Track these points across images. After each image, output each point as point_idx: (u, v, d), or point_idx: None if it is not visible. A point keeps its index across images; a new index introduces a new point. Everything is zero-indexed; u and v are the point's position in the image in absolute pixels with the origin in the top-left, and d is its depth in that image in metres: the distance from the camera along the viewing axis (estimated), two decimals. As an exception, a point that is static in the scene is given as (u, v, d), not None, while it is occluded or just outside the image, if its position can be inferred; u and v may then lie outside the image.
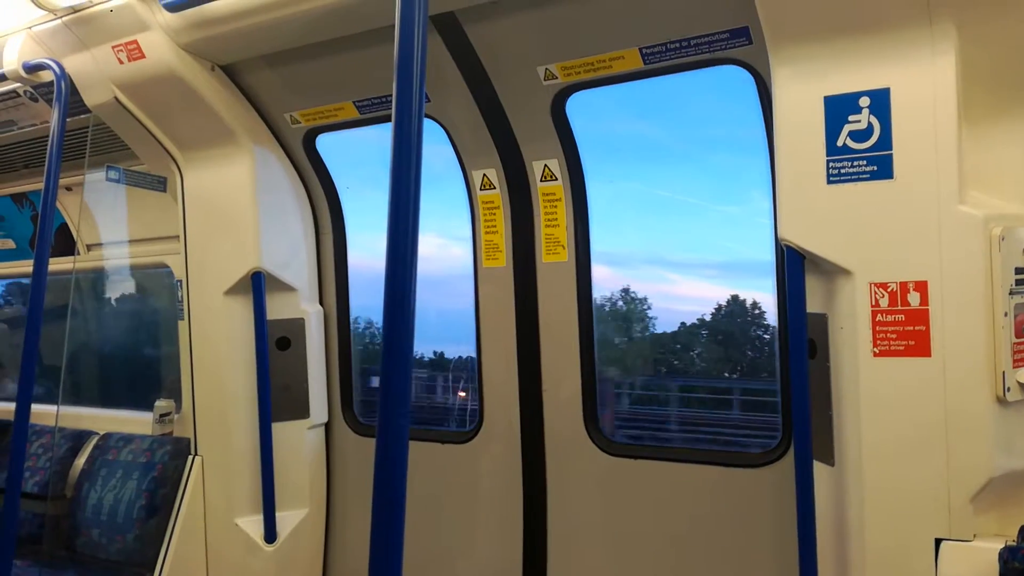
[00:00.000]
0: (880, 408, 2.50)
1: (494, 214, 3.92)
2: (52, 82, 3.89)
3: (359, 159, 4.73)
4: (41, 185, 3.72)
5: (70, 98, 3.89)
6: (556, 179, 3.73)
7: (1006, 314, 2.36)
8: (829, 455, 2.69)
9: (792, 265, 2.64)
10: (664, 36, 3.18)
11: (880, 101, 2.47)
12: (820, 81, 2.55)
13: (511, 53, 3.50)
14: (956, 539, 2.39)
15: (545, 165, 3.73)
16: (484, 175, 3.89)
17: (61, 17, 3.93)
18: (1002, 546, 2.29)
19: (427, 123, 3.90)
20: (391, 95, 1.89)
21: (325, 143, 4.38)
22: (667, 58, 3.24)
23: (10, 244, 5.99)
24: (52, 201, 3.72)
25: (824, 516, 2.68)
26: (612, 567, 3.71)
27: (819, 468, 2.70)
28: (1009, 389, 2.35)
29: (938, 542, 2.41)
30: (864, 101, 2.49)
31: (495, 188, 3.88)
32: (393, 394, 1.76)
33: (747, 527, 3.36)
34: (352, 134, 4.34)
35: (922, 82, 2.41)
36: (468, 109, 3.70)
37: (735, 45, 3.09)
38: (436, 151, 3.90)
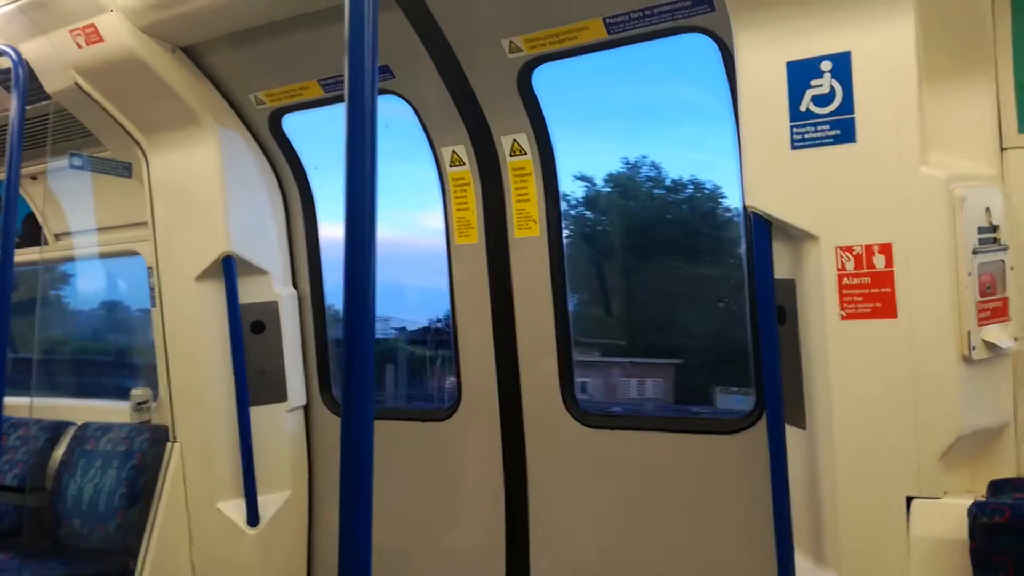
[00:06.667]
0: (849, 371, 2.51)
1: (465, 191, 3.89)
2: (9, 69, 3.81)
3: (328, 139, 4.68)
4: (3, 175, 3.66)
5: (29, 84, 3.82)
6: (525, 154, 3.71)
7: (970, 274, 2.37)
8: (801, 419, 2.71)
9: (759, 232, 2.64)
10: (627, 5, 3.16)
11: (841, 65, 2.46)
12: (782, 46, 2.54)
13: (475, 26, 3.46)
14: (927, 497, 2.42)
15: (514, 140, 3.71)
16: (453, 151, 3.86)
17: (16, 1, 3.84)
18: (971, 502, 2.32)
19: (394, 100, 3.89)
20: None
21: (293, 124, 4.33)
22: (631, 27, 3.21)
23: (-23, 236, 5.89)
24: (15, 190, 3.67)
25: (797, 479, 2.71)
26: (593, 537, 3.74)
27: (791, 432, 2.72)
28: (975, 348, 2.37)
29: (909, 500, 2.44)
30: (826, 65, 2.48)
31: (465, 164, 3.85)
32: (356, 374, 1.74)
33: (723, 492, 3.39)
34: (320, 114, 4.29)
35: (882, 45, 2.41)
36: (434, 85, 3.66)
37: (698, 12, 3.07)
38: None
